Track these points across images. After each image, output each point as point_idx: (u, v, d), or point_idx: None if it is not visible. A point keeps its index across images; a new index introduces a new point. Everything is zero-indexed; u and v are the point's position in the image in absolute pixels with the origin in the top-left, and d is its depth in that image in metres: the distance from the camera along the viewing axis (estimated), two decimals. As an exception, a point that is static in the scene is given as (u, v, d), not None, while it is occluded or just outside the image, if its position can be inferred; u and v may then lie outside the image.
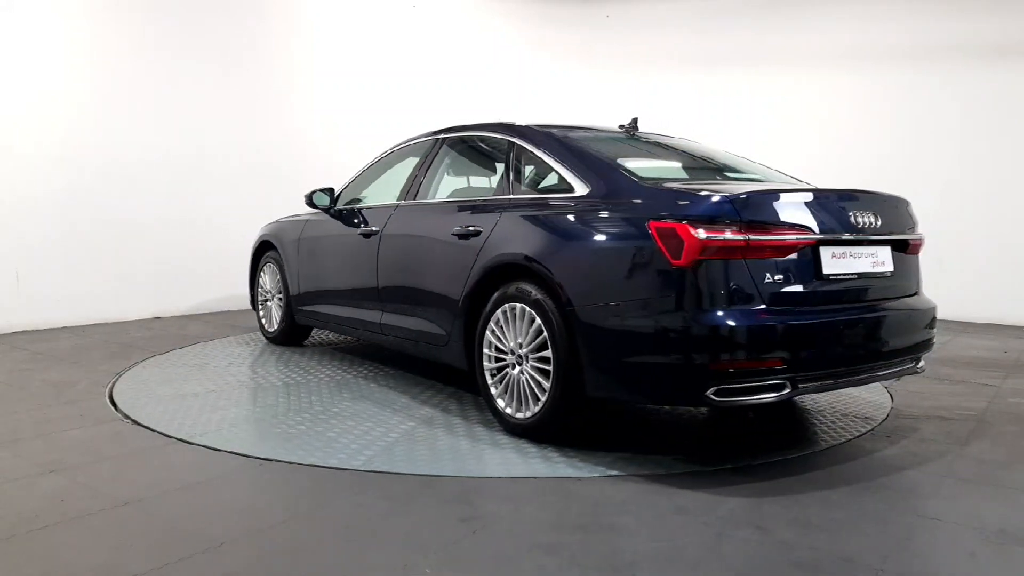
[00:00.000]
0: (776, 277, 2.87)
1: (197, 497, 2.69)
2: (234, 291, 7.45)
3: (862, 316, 3.14)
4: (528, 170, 3.80)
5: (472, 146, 4.34)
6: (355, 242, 4.60)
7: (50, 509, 2.53)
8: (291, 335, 5.52)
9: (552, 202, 3.45)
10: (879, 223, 3.21)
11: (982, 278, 7.49)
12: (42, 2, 6.09)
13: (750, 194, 2.97)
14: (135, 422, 3.56)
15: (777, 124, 8.59)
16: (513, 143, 3.82)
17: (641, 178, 3.27)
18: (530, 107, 8.77)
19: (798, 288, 2.93)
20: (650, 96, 9.34)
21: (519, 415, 3.35)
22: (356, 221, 4.69)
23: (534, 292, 3.26)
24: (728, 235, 2.78)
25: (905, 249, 3.39)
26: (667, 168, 4.05)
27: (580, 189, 3.35)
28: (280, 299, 5.51)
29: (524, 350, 3.32)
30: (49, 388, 4.19)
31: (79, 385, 4.25)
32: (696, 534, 2.41)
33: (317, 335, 5.92)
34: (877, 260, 3.22)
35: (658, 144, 4.15)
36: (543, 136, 3.72)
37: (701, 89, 9.09)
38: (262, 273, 5.80)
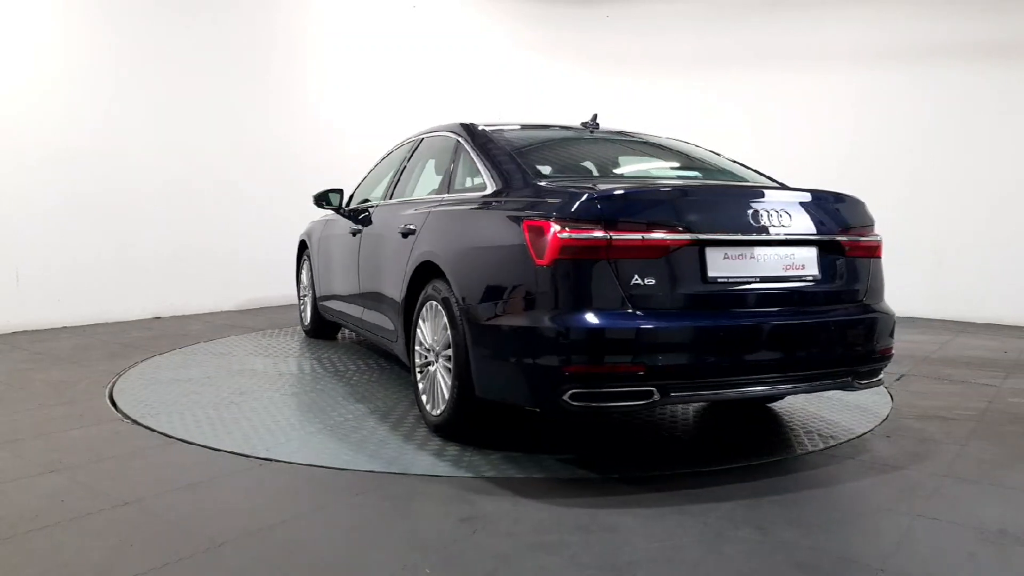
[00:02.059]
0: (647, 279, 2.68)
1: (197, 497, 2.69)
2: (234, 291, 7.45)
3: (760, 323, 2.82)
4: (462, 169, 3.80)
5: (436, 146, 4.38)
6: (348, 241, 4.82)
7: (50, 509, 2.53)
8: (321, 329, 5.83)
9: (463, 200, 3.49)
10: (794, 223, 2.93)
11: (982, 278, 7.49)
12: (43, 2, 6.09)
13: (618, 191, 2.83)
14: (135, 422, 3.56)
15: (777, 124, 8.59)
16: (458, 143, 3.83)
17: (537, 176, 3.22)
18: (530, 107, 8.78)
19: (676, 291, 2.73)
20: (650, 96, 9.35)
21: (433, 412, 3.38)
22: (351, 221, 4.84)
23: (444, 290, 3.27)
24: (588, 234, 2.64)
25: (843, 252, 3.07)
26: (604, 165, 3.92)
27: (489, 187, 3.36)
28: (310, 295, 5.90)
29: (438, 348, 3.34)
30: (49, 388, 4.19)
31: (79, 385, 4.25)
32: (696, 534, 2.41)
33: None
34: (793, 263, 2.93)
35: (611, 140, 4.08)
36: (479, 135, 3.71)
37: (700, 89, 9.09)
38: (301, 271, 6.20)
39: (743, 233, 2.83)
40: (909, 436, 3.53)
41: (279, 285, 7.81)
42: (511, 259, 2.86)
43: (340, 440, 3.31)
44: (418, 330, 3.53)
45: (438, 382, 3.34)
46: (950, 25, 7.66)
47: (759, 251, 2.87)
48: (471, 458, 3.09)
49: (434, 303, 3.36)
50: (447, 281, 3.24)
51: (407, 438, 3.35)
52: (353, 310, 4.78)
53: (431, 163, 4.42)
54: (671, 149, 4.09)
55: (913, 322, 7.27)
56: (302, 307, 6.16)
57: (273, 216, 7.74)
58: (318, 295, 5.60)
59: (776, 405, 4.00)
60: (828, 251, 3.03)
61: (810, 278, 2.97)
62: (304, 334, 6.04)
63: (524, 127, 4.06)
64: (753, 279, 2.85)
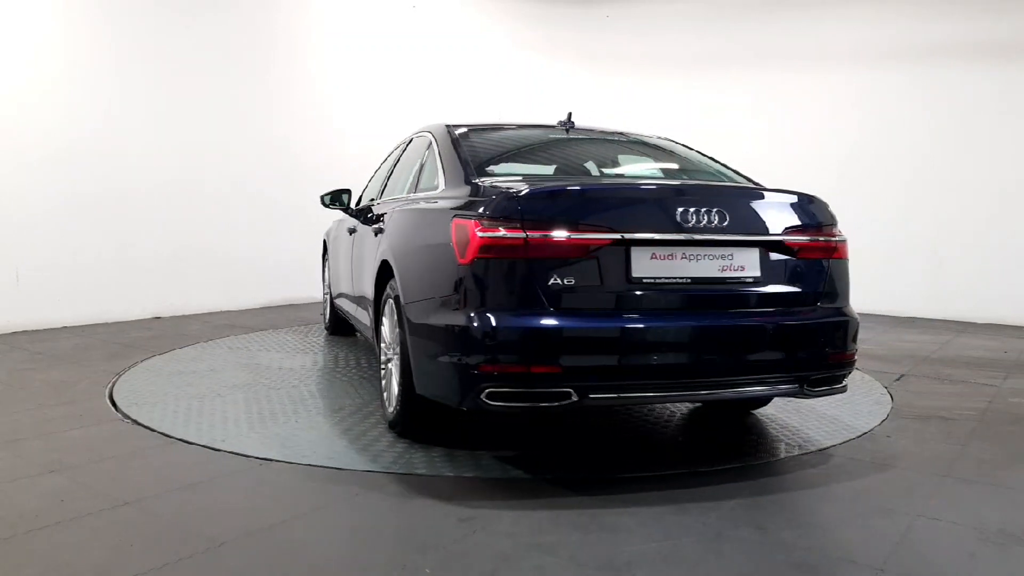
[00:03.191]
0: (566, 279, 2.64)
1: (197, 497, 2.69)
2: (234, 291, 7.45)
3: (687, 326, 2.75)
4: (427, 169, 3.81)
5: (417, 146, 4.39)
6: (347, 239, 4.95)
7: (50, 509, 2.53)
8: (338, 326, 5.93)
9: (417, 199, 3.53)
10: (735, 223, 2.83)
11: (982, 278, 7.49)
12: (43, 2, 6.09)
13: (537, 190, 2.80)
14: (135, 422, 3.56)
15: (777, 124, 8.60)
16: (430, 142, 3.85)
17: (481, 175, 3.20)
18: (530, 107, 8.78)
19: (598, 291, 2.68)
20: (650, 96, 9.35)
21: (389, 409, 3.41)
22: (355, 220, 4.90)
23: (396, 288, 3.30)
24: (505, 233, 2.62)
25: (792, 253, 2.95)
26: (562, 164, 3.88)
27: (440, 186, 3.38)
28: (329, 293, 6.07)
29: (396, 346, 3.35)
30: (49, 388, 4.19)
31: (79, 385, 4.25)
32: (695, 534, 2.41)
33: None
34: (732, 264, 2.83)
35: (582, 140, 4.04)
36: (447, 134, 3.70)
37: (700, 89, 9.09)
38: (324, 269, 6.38)
39: (674, 233, 2.75)
40: (909, 436, 3.53)
41: (279, 285, 7.82)
42: (441, 258, 2.87)
43: (340, 440, 3.31)
44: (381, 328, 3.57)
45: (392, 379, 3.38)
46: (950, 25, 7.66)
47: (692, 251, 2.78)
48: (470, 458, 3.09)
49: (391, 301, 3.40)
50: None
51: (407, 438, 3.35)
52: (350, 307, 4.89)
53: (414, 163, 4.46)
54: (642, 147, 4.06)
55: (913, 322, 7.27)
56: (324, 305, 6.31)
57: (273, 216, 7.74)
58: (332, 293, 5.78)
59: (776, 405, 3.99)
60: (774, 252, 2.92)
61: (750, 280, 2.86)
62: (326, 331, 6.18)
63: (498, 127, 4.07)
64: (683, 280, 2.77)
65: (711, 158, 3.89)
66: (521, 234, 2.62)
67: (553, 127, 4.07)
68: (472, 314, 2.66)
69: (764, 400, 3.81)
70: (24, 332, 5.94)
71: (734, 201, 2.92)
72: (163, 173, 6.89)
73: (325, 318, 6.23)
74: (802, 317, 2.94)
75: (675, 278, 2.76)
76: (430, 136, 3.88)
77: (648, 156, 4.02)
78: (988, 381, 4.75)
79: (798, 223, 2.99)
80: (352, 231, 4.77)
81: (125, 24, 6.62)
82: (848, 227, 9.15)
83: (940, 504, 2.71)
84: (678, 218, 2.76)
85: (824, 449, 3.32)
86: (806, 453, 3.27)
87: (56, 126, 6.20)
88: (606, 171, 3.80)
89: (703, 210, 2.78)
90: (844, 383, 3.06)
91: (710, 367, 2.79)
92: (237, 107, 7.44)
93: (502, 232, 2.63)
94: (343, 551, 2.29)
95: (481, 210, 2.71)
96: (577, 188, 2.95)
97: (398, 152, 4.79)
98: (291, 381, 4.43)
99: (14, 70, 5.96)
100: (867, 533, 2.44)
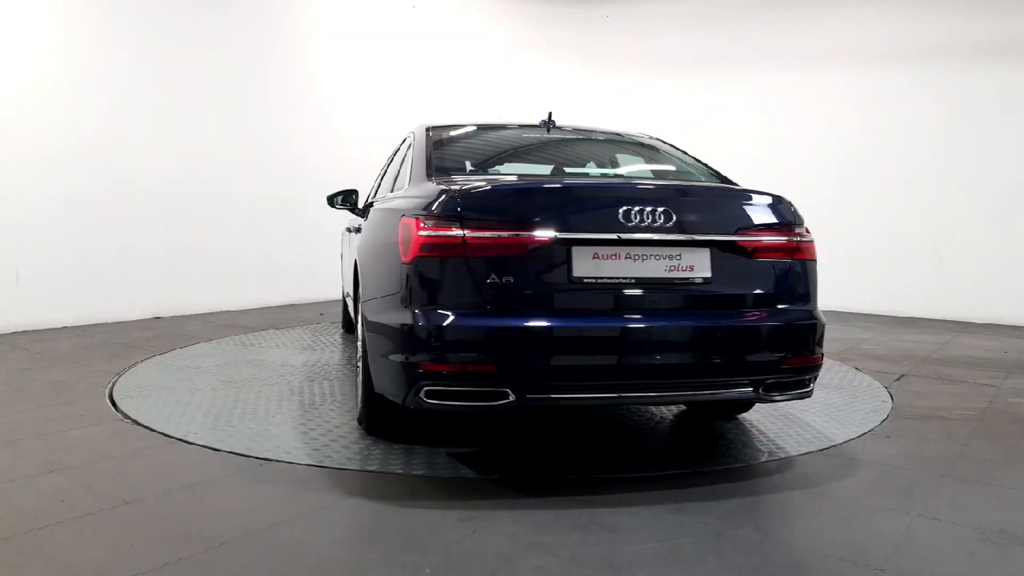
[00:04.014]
0: (505, 277, 2.63)
1: (197, 497, 2.69)
2: (234, 291, 7.45)
3: (629, 326, 2.70)
4: (404, 169, 3.81)
5: (404, 145, 4.38)
6: (347, 238, 5.06)
7: (50, 509, 2.53)
8: (349, 324, 5.91)
9: (390, 198, 3.55)
10: (684, 223, 2.76)
11: (982, 278, 7.49)
12: (43, 2, 6.09)
13: (477, 189, 2.81)
14: (135, 422, 3.56)
15: (777, 124, 8.60)
16: (412, 143, 3.86)
17: (440, 175, 3.19)
18: (530, 107, 8.77)
19: (539, 290, 2.67)
20: (650, 96, 9.35)
21: (359, 406, 3.45)
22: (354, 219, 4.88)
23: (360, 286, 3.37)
24: (444, 232, 2.64)
25: (748, 254, 2.85)
26: (529, 163, 3.86)
27: (405, 186, 3.42)
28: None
29: (359, 342, 3.41)
30: (49, 388, 4.19)
31: (79, 385, 4.25)
32: (695, 534, 2.41)
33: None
34: (680, 264, 2.76)
35: (559, 140, 4.01)
36: (425, 135, 3.72)
37: (701, 89, 9.09)
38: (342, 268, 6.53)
39: (616, 232, 2.70)
40: (909, 436, 3.53)
41: (279, 285, 7.82)
42: (390, 256, 2.89)
43: (341, 440, 3.31)
44: (358, 325, 3.62)
45: (358, 377, 3.44)
46: (950, 25, 7.66)
47: (637, 251, 2.73)
48: (470, 458, 3.10)
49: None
50: None
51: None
52: (350, 305, 4.95)
53: (399, 163, 4.49)
54: (618, 146, 4.03)
55: (913, 322, 7.27)
56: (342, 302, 6.44)
57: (273, 216, 7.74)
58: (344, 292, 5.87)
59: (776, 405, 3.98)
60: (727, 252, 2.83)
61: (700, 281, 2.79)
62: (342, 330, 6.26)
63: (480, 127, 4.06)
64: (628, 280, 2.72)
65: (693, 157, 3.82)
66: (460, 233, 2.63)
67: (536, 127, 4.04)
68: (412, 312, 2.68)
69: (743, 405, 3.70)
70: (24, 332, 5.94)
71: (685, 200, 2.87)
72: (163, 173, 6.88)
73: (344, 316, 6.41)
74: (757, 319, 2.85)
75: (619, 278, 2.72)
76: (412, 137, 3.92)
77: (622, 155, 3.98)
78: (988, 381, 4.75)
79: (756, 223, 2.90)
80: (349, 230, 4.89)
81: (125, 24, 6.61)
82: (848, 227, 9.18)
83: (940, 504, 2.71)
84: (622, 218, 2.71)
85: (824, 449, 3.32)
86: (806, 453, 3.27)
87: (56, 126, 6.20)
88: (573, 170, 3.79)
89: (649, 210, 2.73)
90: (809, 388, 2.96)
91: (654, 369, 2.73)
92: (237, 107, 7.44)
93: (441, 231, 2.65)
94: (343, 551, 2.29)
95: (424, 209, 2.73)
96: (518, 187, 2.96)
97: (393, 152, 4.84)
98: (293, 380, 4.43)
99: (14, 70, 5.96)
100: (867, 533, 2.44)
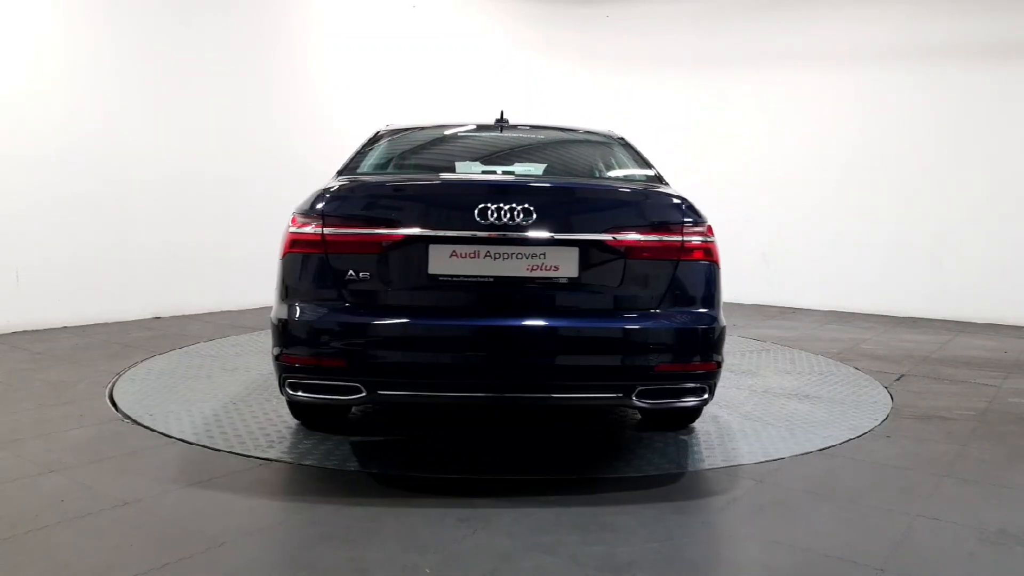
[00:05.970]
0: (362, 274, 2.70)
1: (197, 497, 2.69)
2: (234, 291, 7.45)
3: (484, 326, 2.68)
4: None
5: None
6: None
7: (50, 509, 2.53)
8: None
9: None
10: (550, 221, 2.69)
11: (982, 278, 7.49)
12: (43, 2, 6.09)
13: (335, 188, 2.90)
14: (135, 422, 3.56)
15: (777, 124, 8.60)
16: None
17: (346, 174, 3.28)
18: (530, 107, 8.77)
19: (395, 287, 2.72)
20: (650, 96, 9.36)
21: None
22: None
23: None
24: (306, 229, 2.78)
25: (623, 254, 2.74)
26: (445, 163, 3.85)
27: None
28: None
29: None
30: (49, 388, 4.19)
31: (79, 385, 4.25)
32: (695, 534, 2.41)
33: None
34: (543, 263, 2.69)
35: (493, 138, 3.98)
36: (371, 135, 3.80)
37: (701, 89, 9.09)
38: None
39: (474, 231, 2.67)
40: (909, 436, 3.53)
41: (279, 285, 7.81)
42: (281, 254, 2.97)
43: (341, 440, 3.31)
44: None
45: None
46: (950, 25, 7.66)
47: (497, 250, 2.68)
48: (470, 459, 3.10)
49: None
50: None
51: (403, 437, 3.35)
52: None
53: None
54: (560, 145, 3.99)
55: (913, 322, 7.27)
56: None
57: (273, 216, 7.70)
58: None
59: (775, 405, 3.99)
60: (598, 252, 2.74)
61: (564, 280, 2.71)
62: None
63: (427, 128, 4.09)
64: (486, 279, 2.70)
65: (644, 158, 3.66)
66: (320, 230, 2.75)
67: (489, 127, 4.01)
68: (279, 307, 2.82)
69: (690, 414, 3.52)
70: (24, 332, 5.94)
71: (554, 199, 2.84)
72: (163, 173, 6.88)
73: None
74: (626, 322, 2.74)
75: (476, 276, 2.70)
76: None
77: (556, 153, 3.91)
78: (988, 381, 4.75)
79: (636, 223, 2.78)
80: None
81: (125, 24, 6.61)
82: (848, 226, 9.16)
83: (940, 504, 2.72)
84: (481, 216, 2.67)
85: (823, 449, 3.32)
86: (806, 453, 3.27)
87: (56, 126, 6.19)
88: (485, 168, 3.77)
89: (510, 207, 2.67)
90: (703, 396, 2.81)
91: (510, 370, 2.70)
92: (237, 107, 7.44)
93: (305, 228, 2.78)
94: (343, 551, 2.29)
95: (298, 208, 2.87)
96: (376, 185, 3.04)
97: None
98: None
99: (14, 70, 5.95)
100: (867, 533, 2.44)
